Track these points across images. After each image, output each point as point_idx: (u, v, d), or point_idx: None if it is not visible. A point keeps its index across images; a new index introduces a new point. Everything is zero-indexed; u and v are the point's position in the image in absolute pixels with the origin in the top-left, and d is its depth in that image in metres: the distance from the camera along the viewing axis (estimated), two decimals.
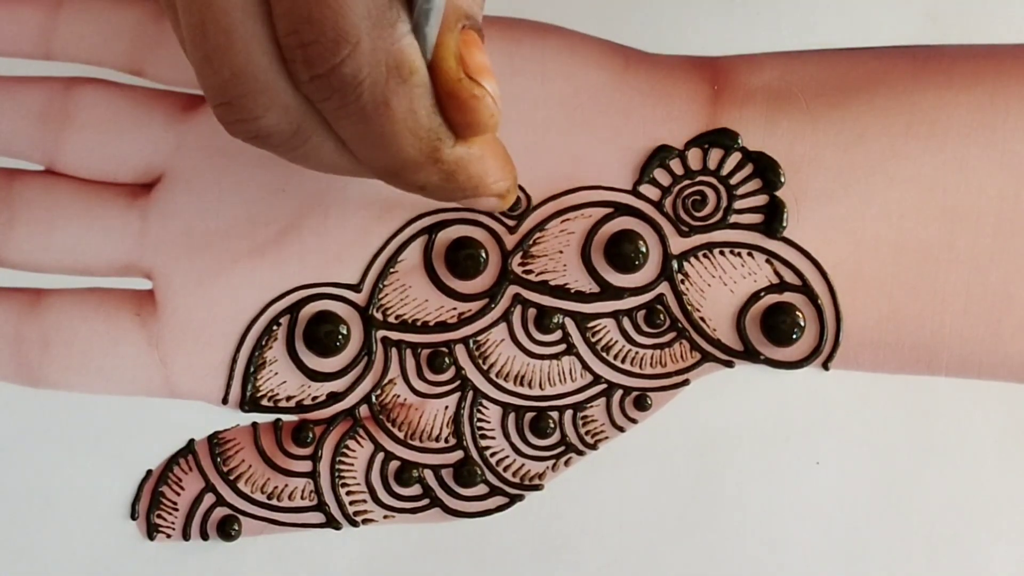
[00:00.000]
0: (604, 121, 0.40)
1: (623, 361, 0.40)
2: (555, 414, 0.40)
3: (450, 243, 0.40)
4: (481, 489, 0.40)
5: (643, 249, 0.40)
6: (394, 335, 0.40)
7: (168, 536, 0.40)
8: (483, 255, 0.40)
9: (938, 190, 0.40)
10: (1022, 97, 0.40)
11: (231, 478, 0.40)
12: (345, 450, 0.40)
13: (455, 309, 0.40)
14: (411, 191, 0.35)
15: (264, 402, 0.40)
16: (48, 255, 0.40)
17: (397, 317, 0.40)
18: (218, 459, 0.40)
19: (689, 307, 0.40)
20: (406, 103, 0.31)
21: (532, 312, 0.40)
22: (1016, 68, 0.40)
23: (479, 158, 0.34)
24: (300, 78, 0.31)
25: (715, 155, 0.40)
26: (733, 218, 0.40)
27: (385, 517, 0.40)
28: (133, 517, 0.40)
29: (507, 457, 0.40)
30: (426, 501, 0.40)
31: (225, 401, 0.40)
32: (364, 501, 0.40)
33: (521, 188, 0.40)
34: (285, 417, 0.40)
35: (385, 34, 0.30)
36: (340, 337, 0.40)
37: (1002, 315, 0.40)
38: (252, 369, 0.40)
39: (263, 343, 0.40)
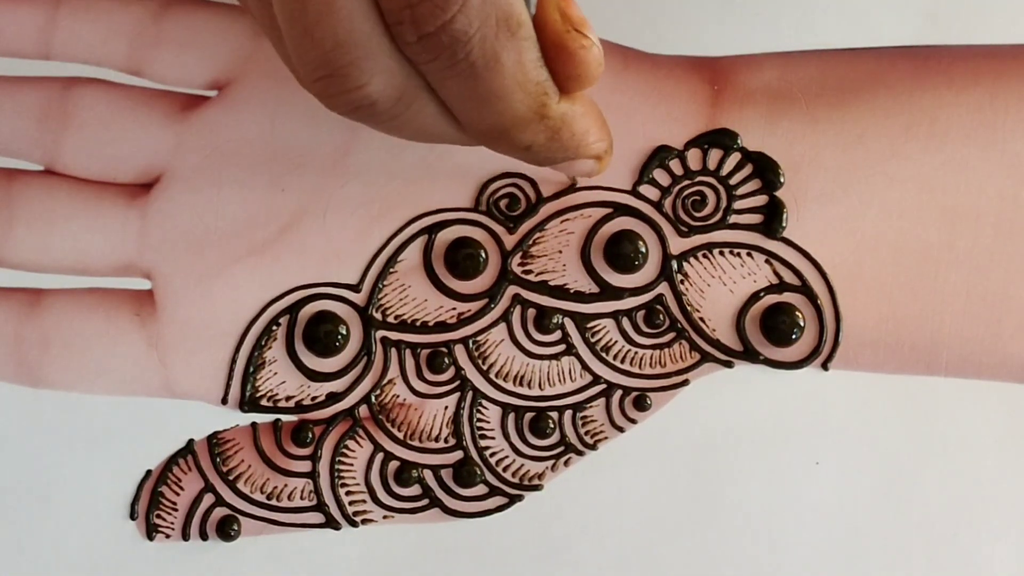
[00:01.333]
0: None
1: (623, 361, 0.40)
2: (555, 414, 0.40)
3: (450, 243, 0.40)
4: (480, 489, 0.40)
5: (643, 249, 0.40)
6: (393, 335, 0.40)
7: (167, 536, 0.40)
8: (482, 255, 0.40)
9: (938, 190, 0.40)
10: (1022, 97, 0.40)
11: (230, 478, 0.40)
12: (344, 450, 0.40)
13: (455, 309, 0.40)
14: (515, 153, 0.34)
15: (263, 402, 0.40)
16: (48, 255, 0.40)
17: (396, 317, 0.40)
18: (217, 459, 0.40)
19: (689, 307, 0.40)
20: (515, 56, 0.31)
21: (532, 312, 0.40)
22: (1016, 68, 0.40)
23: (583, 115, 0.34)
24: (407, 39, 0.31)
25: (715, 155, 0.40)
26: (733, 218, 0.40)
27: (385, 517, 0.40)
28: (132, 517, 0.40)
29: (507, 457, 0.40)
30: (425, 501, 0.40)
31: (224, 401, 0.40)
32: (364, 501, 0.40)
33: (521, 188, 0.40)
34: (284, 417, 0.40)
35: None
36: (339, 337, 0.40)
37: (1002, 315, 0.40)
38: (251, 369, 0.40)
39: (262, 343, 0.40)
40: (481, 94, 0.32)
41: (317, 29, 0.31)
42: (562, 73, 0.33)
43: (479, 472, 0.40)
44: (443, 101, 0.33)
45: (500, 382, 0.40)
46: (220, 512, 0.40)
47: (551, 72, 0.32)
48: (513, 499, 0.40)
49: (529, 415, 0.40)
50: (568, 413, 0.40)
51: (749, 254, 0.40)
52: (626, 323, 0.40)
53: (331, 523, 0.40)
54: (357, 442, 0.40)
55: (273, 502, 0.40)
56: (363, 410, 0.40)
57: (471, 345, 0.40)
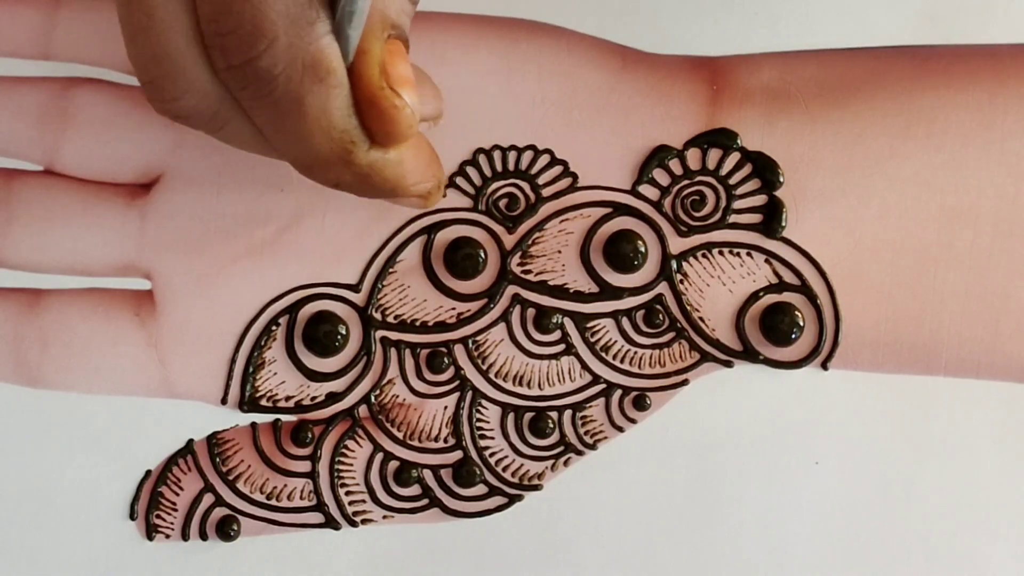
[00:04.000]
0: (602, 121, 0.40)
1: (622, 361, 0.40)
2: (554, 414, 0.40)
3: (449, 243, 0.40)
4: (480, 489, 0.40)
5: (642, 249, 0.40)
6: (393, 335, 0.40)
7: (167, 536, 0.40)
8: (482, 255, 0.40)
9: (937, 190, 0.40)
10: (1021, 97, 0.40)
11: (230, 478, 0.40)
12: (344, 450, 0.40)
13: (454, 309, 0.40)
14: (327, 185, 0.35)
15: (263, 402, 0.40)
16: (47, 255, 0.40)
17: (396, 317, 0.40)
18: (217, 459, 0.40)
19: (688, 307, 0.40)
20: (320, 102, 0.32)
21: (531, 312, 0.40)
22: (1014, 68, 0.40)
23: (396, 163, 0.34)
24: (218, 65, 0.32)
25: (714, 155, 0.40)
26: (732, 218, 0.40)
27: (384, 517, 0.40)
28: (132, 517, 0.40)
29: (506, 457, 0.40)
30: (425, 501, 0.40)
31: (224, 401, 0.40)
32: (363, 501, 0.40)
33: (520, 188, 0.40)
34: (284, 417, 0.40)
35: (303, 32, 0.31)
36: (339, 337, 0.40)
37: (1001, 315, 0.40)
38: (251, 369, 0.40)
39: (262, 343, 0.40)
40: (286, 130, 0.32)
41: (138, 38, 0.32)
42: (373, 128, 0.33)
43: (479, 472, 0.40)
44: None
45: (500, 382, 0.40)
46: (220, 512, 0.40)
47: (364, 124, 0.32)
48: (513, 499, 0.40)
49: (529, 415, 0.40)
50: (568, 413, 0.40)
51: (749, 254, 0.40)
52: (626, 323, 0.40)
53: (331, 523, 0.40)
54: (357, 442, 0.40)
55: (273, 502, 0.40)
56: (363, 410, 0.40)
57: (471, 345, 0.40)
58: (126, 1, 0.32)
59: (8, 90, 0.41)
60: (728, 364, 0.40)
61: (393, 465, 0.40)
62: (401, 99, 0.32)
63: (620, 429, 0.40)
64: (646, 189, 0.40)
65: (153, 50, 0.32)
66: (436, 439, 0.40)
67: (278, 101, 0.32)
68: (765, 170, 0.40)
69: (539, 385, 0.40)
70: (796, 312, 0.40)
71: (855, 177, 0.40)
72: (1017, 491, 0.40)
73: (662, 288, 0.40)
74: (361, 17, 0.31)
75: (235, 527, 0.40)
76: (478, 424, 0.40)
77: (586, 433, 0.40)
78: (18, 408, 0.40)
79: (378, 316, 0.40)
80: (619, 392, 0.40)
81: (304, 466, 0.40)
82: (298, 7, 0.30)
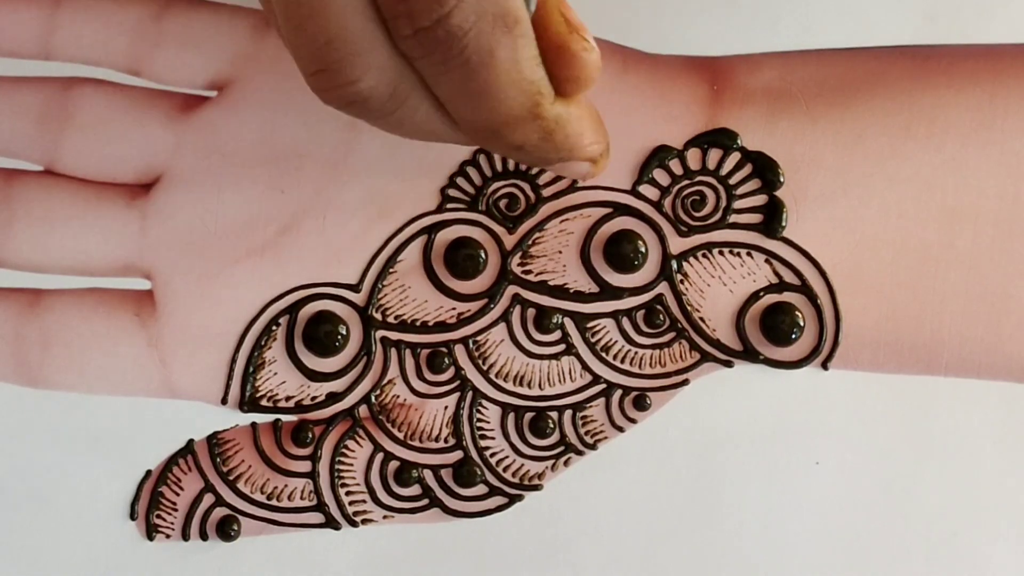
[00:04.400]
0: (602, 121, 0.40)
1: (622, 361, 0.40)
2: (554, 414, 0.40)
3: (449, 243, 0.40)
4: (480, 489, 0.40)
5: (642, 249, 0.40)
6: (393, 335, 0.40)
7: (167, 536, 0.40)
8: (482, 255, 0.40)
9: (937, 190, 0.40)
10: (1021, 97, 0.40)
11: (230, 478, 0.40)
12: (344, 450, 0.40)
13: (454, 309, 0.40)
14: (508, 153, 0.34)
15: (263, 402, 0.40)
16: (47, 255, 0.40)
17: (396, 317, 0.40)
18: (217, 459, 0.40)
19: (688, 307, 0.40)
20: (511, 53, 0.31)
21: (531, 312, 0.40)
22: (1015, 68, 0.40)
23: (578, 117, 0.34)
24: (403, 33, 0.31)
25: (714, 155, 0.40)
26: (732, 218, 0.40)
27: (384, 517, 0.40)
28: (132, 517, 0.40)
29: (506, 457, 0.40)
30: (425, 501, 0.40)
31: (224, 401, 0.40)
32: (363, 501, 0.40)
33: (520, 188, 0.40)
34: (284, 417, 0.40)
35: None
36: (339, 337, 0.40)
37: (1001, 315, 0.40)
38: (251, 369, 0.40)
39: (262, 343, 0.40)
40: (475, 90, 0.32)
41: (310, 24, 0.31)
42: (561, 75, 0.32)
43: (479, 472, 0.40)
44: (437, 98, 0.33)
45: (500, 382, 0.40)
46: (220, 512, 0.40)
47: (549, 73, 0.32)
48: (513, 499, 0.40)
49: (529, 415, 0.40)
50: (568, 413, 0.40)
51: (749, 254, 0.40)
52: (626, 323, 0.40)
53: (331, 523, 0.40)
54: (357, 442, 0.40)
55: (273, 502, 0.40)
56: (363, 410, 0.40)
57: (471, 345, 0.40)
58: None
59: (8, 90, 0.41)
60: (728, 364, 0.40)
61: (393, 465, 0.40)
62: (588, 41, 0.32)
63: (620, 429, 0.40)
64: (646, 189, 0.40)
65: (328, 34, 0.31)
66: (436, 439, 0.40)
67: (469, 59, 0.31)
68: (765, 170, 0.40)
69: (539, 385, 0.40)
70: (796, 312, 0.40)
71: (855, 177, 0.40)
72: (1017, 491, 0.40)
73: (662, 288, 0.40)
74: None
75: (235, 527, 0.40)
76: (478, 424, 0.40)
77: (586, 433, 0.40)
78: (18, 408, 0.40)
79: (378, 316, 0.40)
80: (619, 392, 0.40)
81: (304, 466, 0.40)
82: None
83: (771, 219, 0.40)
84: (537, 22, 0.32)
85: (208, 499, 0.40)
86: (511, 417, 0.40)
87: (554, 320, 0.40)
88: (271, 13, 0.33)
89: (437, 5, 0.30)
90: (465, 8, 0.30)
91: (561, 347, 0.40)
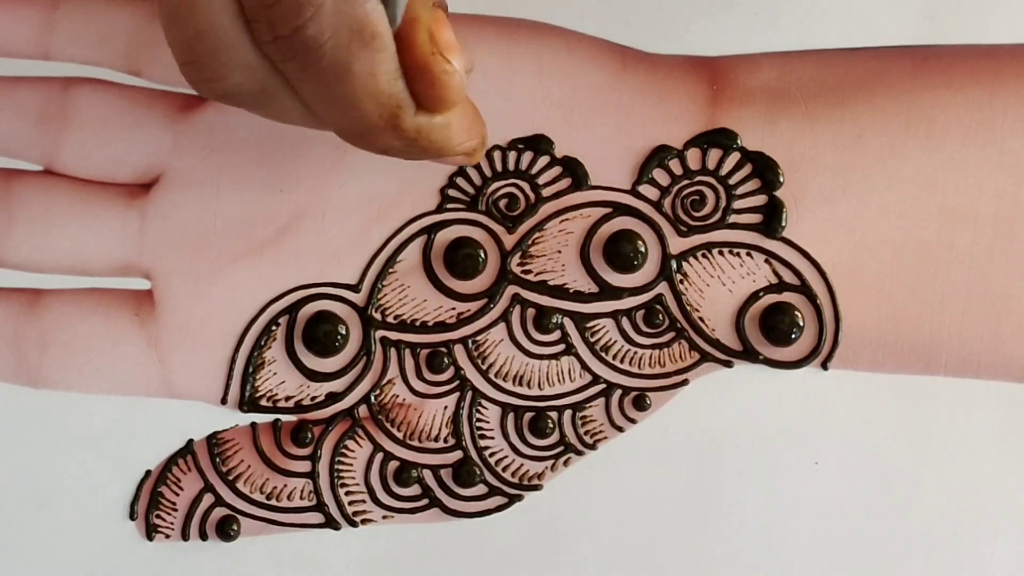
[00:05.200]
0: (602, 121, 0.40)
1: (622, 361, 0.40)
2: (554, 414, 0.40)
3: (449, 243, 0.40)
4: (480, 489, 0.40)
5: (642, 249, 0.40)
6: (393, 335, 0.40)
7: (167, 536, 0.40)
8: (482, 255, 0.40)
9: (937, 190, 0.40)
10: (1021, 96, 0.40)
11: (230, 478, 0.40)
12: (344, 450, 0.40)
13: (454, 309, 0.40)
14: (376, 153, 0.35)
15: (263, 402, 0.40)
16: (47, 255, 0.40)
17: (396, 317, 0.40)
18: (217, 459, 0.40)
19: (688, 307, 0.40)
20: (367, 67, 0.31)
21: (531, 312, 0.40)
22: (1014, 68, 0.40)
23: (442, 125, 0.34)
24: (263, 38, 0.31)
25: (714, 155, 0.40)
26: (732, 218, 0.40)
27: (384, 517, 0.40)
28: (132, 517, 0.40)
29: (506, 457, 0.40)
30: (425, 501, 0.40)
31: (224, 401, 0.40)
32: (363, 501, 0.40)
33: (520, 188, 0.40)
34: (284, 417, 0.40)
35: None
36: (339, 337, 0.40)
37: (1001, 315, 0.40)
38: (251, 369, 0.40)
39: (262, 343, 0.40)
40: (334, 99, 0.32)
41: (180, 16, 0.31)
42: (422, 93, 0.33)
43: (479, 472, 0.40)
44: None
45: (499, 382, 0.40)
46: (220, 512, 0.40)
47: (412, 89, 0.33)
48: (513, 499, 0.40)
49: (528, 415, 0.40)
50: (568, 413, 0.40)
51: (748, 254, 0.40)
52: (625, 323, 0.40)
53: (331, 523, 0.40)
54: (356, 442, 0.40)
55: (273, 502, 0.40)
56: (362, 410, 0.40)
57: (470, 345, 0.40)
58: None
59: (8, 90, 0.41)
60: (728, 364, 0.40)
61: (393, 465, 0.40)
62: (451, 65, 0.32)
63: (620, 429, 0.40)
64: (646, 189, 0.40)
65: (196, 27, 0.31)
66: (436, 439, 0.40)
67: (325, 69, 0.31)
68: (765, 170, 0.40)
69: (539, 385, 0.40)
70: (796, 312, 0.40)
71: (855, 177, 0.40)
72: (1017, 491, 0.40)
73: (662, 288, 0.40)
74: None
75: (235, 527, 0.40)
76: (478, 424, 0.40)
77: (586, 433, 0.40)
78: (18, 408, 0.40)
79: (378, 316, 0.40)
80: (619, 392, 0.40)
81: (304, 466, 0.40)
82: None
83: (771, 219, 0.40)
84: (403, 38, 0.32)
85: (208, 499, 0.40)
86: (511, 417, 0.40)
87: (554, 320, 0.40)
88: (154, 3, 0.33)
89: (294, 15, 0.30)
90: (321, 20, 0.30)
91: (561, 347, 0.40)
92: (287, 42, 0.31)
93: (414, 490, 0.40)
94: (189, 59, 0.32)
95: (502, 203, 0.40)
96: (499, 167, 0.40)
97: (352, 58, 0.31)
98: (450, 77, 0.32)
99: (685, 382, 0.40)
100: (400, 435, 0.40)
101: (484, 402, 0.40)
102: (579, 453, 0.40)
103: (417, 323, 0.40)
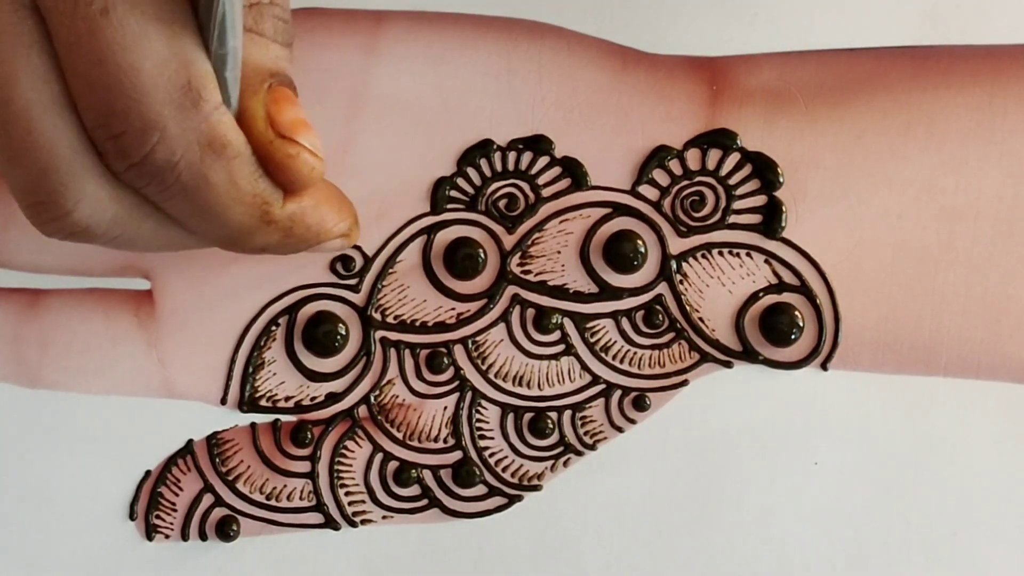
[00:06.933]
0: (602, 121, 0.40)
1: (622, 361, 0.40)
2: (554, 414, 0.40)
3: (449, 243, 0.40)
4: (480, 489, 0.40)
5: (642, 249, 0.40)
6: (393, 335, 0.40)
7: (167, 536, 0.40)
8: (482, 255, 0.40)
9: (937, 190, 0.40)
10: (1020, 97, 0.40)
11: (230, 478, 0.40)
12: (344, 451, 0.40)
13: (454, 309, 0.40)
14: (254, 254, 0.35)
15: (263, 402, 0.40)
16: (47, 255, 0.40)
17: (396, 317, 0.40)
18: (217, 459, 0.40)
19: (688, 307, 0.40)
20: (225, 176, 0.31)
21: (531, 312, 0.40)
22: (1014, 68, 0.40)
23: (313, 208, 0.34)
24: (117, 168, 0.31)
25: (714, 155, 0.40)
26: (732, 218, 0.40)
27: (384, 518, 0.40)
28: (132, 517, 0.40)
29: (506, 457, 0.40)
30: (425, 501, 0.40)
31: (224, 401, 0.40)
32: (363, 502, 0.40)
33: (520, 188, 0.40)
34: (284, 417, 0.40)
35: (191, 115, 0.30)
36: (339, 337, 0.40)
37: (1001, 315, 0.40)
38: (251, 369, 0.40)
39: (262, 343, 0.40)
40: (200, 211, 0.32)
41: (21, 157, 0.31)
42: (278, 180, 0.32)
43: (478, 472, 0.40)
44: (167, 215, 0.33)
45: (499, 382, 0.40)
46: (219, 512, 0.40)
47: (272, 179, 0.32)
48: (512, 499, 0.40)
49: (528, 415, 0.40)
50: (567, 413, 0.40)
51: (748, 254, 0.40)
52: (625, 323, 0.40)
53: (330, 523, 0.40)
54: (356, 442, 0.40)
55: (272, 502, 0.40)
56: (362, 410, 0.40)
57: (470, 345, 0.40)
58: (1, 123, 0.31)
59: None
60: (728, 364, 0.40)
61: (393, 465, 0.40)
62: (295, 145, 0.32)
63: (620, 429, 0.40)
64: (646, 189, 0.40)
65: (40, 165, 0.31)
66: (436, 439, 0.40)
67: (185, 186, 0.31)
68: (765, 170, 0.40)
69: (539, 385, 0.40)
70: (796, 312, 0.40)
71: (855, 177, 0.40)
72: (1017, 491, 0.40)
73: (662, 288, 0.40)
74: (235, 57, 0.31)
75: (235, 527, 0.40)
76: (478, 424, 0.40)
77: (586, 433, 0.40)
78: (18, 408, 0.40)
79: (378, 316, 0.40)
80: (619, 392, 0.40)
81: (304, 466, 0.40)
82: (179, 91, 0.30)
83: (770, 219, 0.40)
84: (242, 126, 0.32)
85: (207, 499, 0.40)
86: (510, 417, 0.40)
87: (553, 320, 0.40)
88: None
89: (141, 142, 0.30)
90: (169, 142, 0.30)
91: (560, 347, 0.40)
92: (140, 168, 0.31)
93: (414, 490, 0.40)
94: (35, 199, 0.31)
95: (502, 203, 0.40)
96: (499, 167, 0.40)
97: (208, 170, 0.31)
98: (295, 160, 0.32)
99: (685, 382, 0.40)
100: (400, 435, 0.40)
101: (484, 402, 0.40)
102: (579, 453, 0.40)
103: (417, 323, 0.40)
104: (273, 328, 0.40)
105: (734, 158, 0.40)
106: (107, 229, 0.32)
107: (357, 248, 0.40)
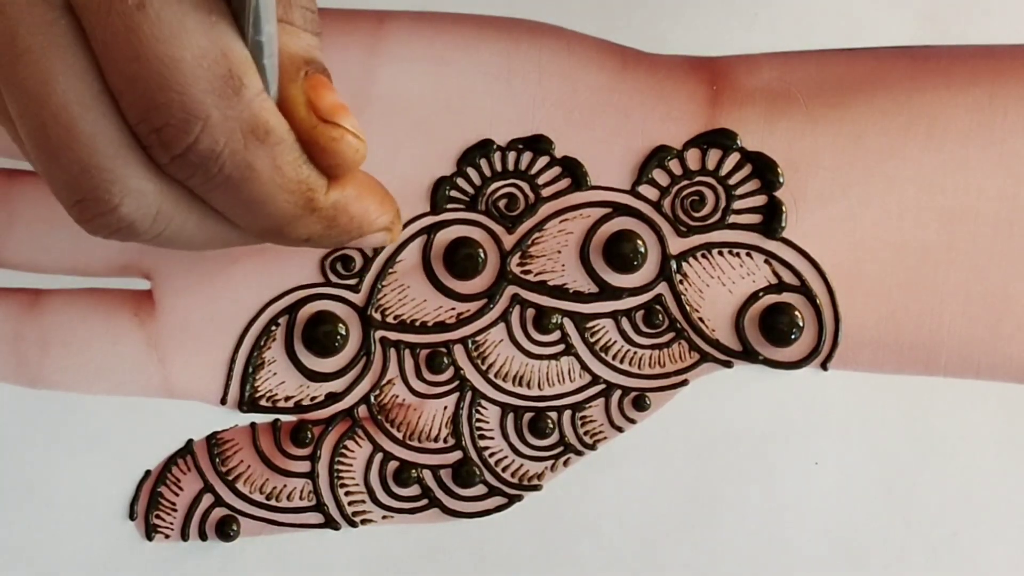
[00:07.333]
0: (602, 121, 0.40)
1: (622, 361, 0.40)
2: (554, 414, 0.40)
3: (448, 243, 0.40)
4: (480, 489, 0.40)
5: (642, 249, 0.40)
6: (393, 335, 0.40)
7: (167, 536, 0.40)
8: (481, 255, 0.40)
9: (937, 190, 0.40)
10: (1020, 97, 0.40)
11: (230, 478, 0.40)
12: (344, 450, 0.40)
13: (454, 309, 0.40)
14: (298, 246, 0.35)
15: (263, 402, 0.40)
16: (47, 255, 0.40)
17: (396, 317, 0.40)
18: (217, 459, 0.40)
19: (688, 307, 0.40)
20: (269, 162, 0.31)
21: (531, 312, 0.40)
22: (1014, 68, 0.40)
23: (356, 197, 0.34)
24: (161, 161, 0.31)
25: (714, 155, 0.40)
26: (732, 218, 0.40)
27: (384, 517, 0.40)
28: (132, 517, 0.40)
29: (506, 457, 0.40)
30: (425, 501, 0.40)
31: (224, 401, 0.40)
32: (363, 502, 0.40)
33: (520, 188, 0.40)
34: (284, 417, 0.40)
35: (233, 103, 0.30)
36: (339, 337, 0.40)
37: (1001, 315, 0.40)
38: (251, 369, 0.40)
39: (262, 343, 0.40)
40: (246, 202, 0.32)
41: (61, 155, 0.31)
42: (322, 165, 0.32)
43: (478, 472, 0.40)
44: (213, 208, 0.33)
45: (499, 382, 0.40)
46: (219, 512, 0.40)
47: (316, 165, 0.32)
48: (512, 499, 0.40)
49: (528, 415, 0.40)
50: (567, 413, 0.40)
51: (748, 254, 0.40)
52: (625, 323, 0.40)
53: (330, 523, 0.40)
54: (356, 442, 0.40)
55: (272, 502, 0.40)
56: (362, 410, 0.40)
57: (470, 345, 0.40)
58: (38, 124, 0.30)
59: None
60: (728, 364, 0.40)
61: (393, 465, 0.40)
62: (338, 128, 0.32)
63: (620, 429, 0.40)
64: (646, 189, 0.40)
65: (82, 163, 0.31)
66: (436, 439, 0.40)
67: (229, 176, 0.31)
68: (765, 170, 0.40)
69: (539, 385, 0.40)
70: (796, 312, 0.40)
71: (855, 177, 0.40)
72: (1017, 491, 0.40)
73: (662, 288, 0.40)
74: (272, 44, 0.31)
75: (235, 527, 0.40)
76: (478, 424, 0.40)
77: (586, 433, 0.40)
78: (18, 408, 0.40)
79: (378, 316, 0.40)
80: (619, 392, 0.40)
81: (304, 466, 0.40)
82: (220, 80, 0.30)
83: (770, 219, 0.40)
84: (283, 113, 0.32)
85: (207, 499, 0.40)
86: (510, 417, 0.40)
87: (553, 320, 0.40)
88: (20, 142, 0.32)
89: (184, 134, 0.30)
90: (212, 131, 0.30)
91: (560, 347, 0.40)
92: (184, 159, 0.31)
93: (414, 490, 0.40)
94: (78, 197, 0.31)
95: (502, 203, 0.40)
96: (499, 167, 0.40)
97: (252, 158, 0.31)
98: (339, 143, 0.32)
99: (685, 382, 0.40)
100: (400, 435, 0.40)
101: (484, 402, 0.40)
102: (579, 453, 0.40)
103: (417, 323, 0.40)
104: (273, 328, 0.40)
105: (734, 158, 0.40)
106: (152, 224, 0.32)
107: (357, 248, 0.40)
